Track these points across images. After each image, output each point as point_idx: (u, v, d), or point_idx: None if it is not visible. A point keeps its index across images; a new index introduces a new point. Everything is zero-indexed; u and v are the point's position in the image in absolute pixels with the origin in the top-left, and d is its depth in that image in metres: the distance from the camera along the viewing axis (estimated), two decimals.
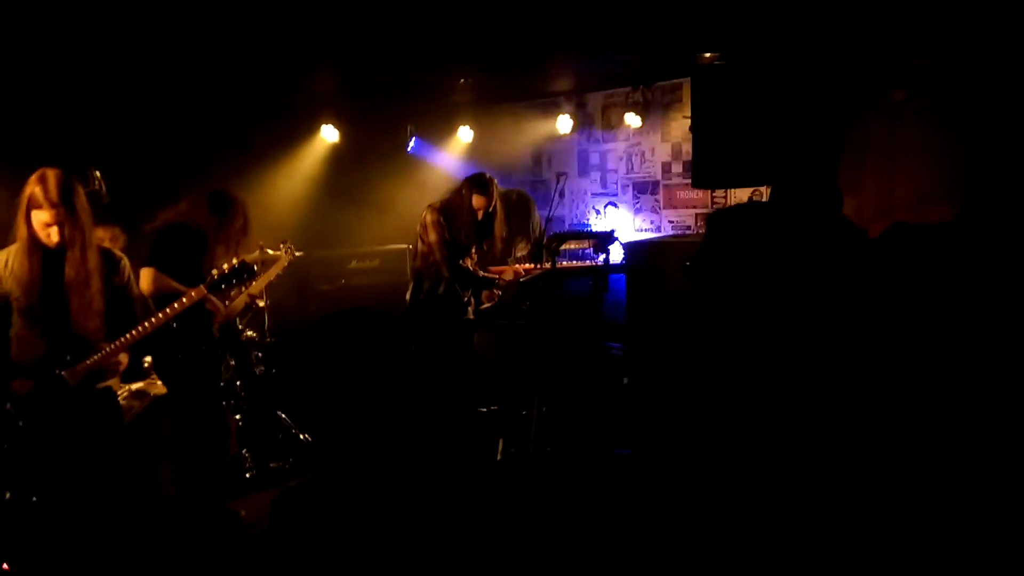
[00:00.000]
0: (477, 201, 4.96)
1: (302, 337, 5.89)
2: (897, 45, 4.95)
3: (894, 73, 5.02)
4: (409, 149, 7.31)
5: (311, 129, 6.88)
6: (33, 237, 2.90)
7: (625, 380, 4.85)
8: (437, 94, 6.85)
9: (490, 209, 5.01)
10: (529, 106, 7.28)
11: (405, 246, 6.92)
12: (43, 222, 2.88)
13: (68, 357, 3.00)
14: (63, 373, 3.01)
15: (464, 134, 7.26)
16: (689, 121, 5.39)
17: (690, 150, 6.33)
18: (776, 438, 3.00)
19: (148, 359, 4.21)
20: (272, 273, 4.54)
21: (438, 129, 7.35)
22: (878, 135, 5.09)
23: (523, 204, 6.47)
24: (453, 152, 7.46)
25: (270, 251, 4.69)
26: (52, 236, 2.90)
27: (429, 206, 5.02)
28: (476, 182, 5.00)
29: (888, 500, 2.87)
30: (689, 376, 4.62)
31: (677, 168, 6.50)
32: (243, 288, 4.31)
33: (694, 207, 6.40)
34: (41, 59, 4.81)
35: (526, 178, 7.35)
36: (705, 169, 4.68)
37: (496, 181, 5.07)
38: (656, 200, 6.64)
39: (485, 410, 5.06)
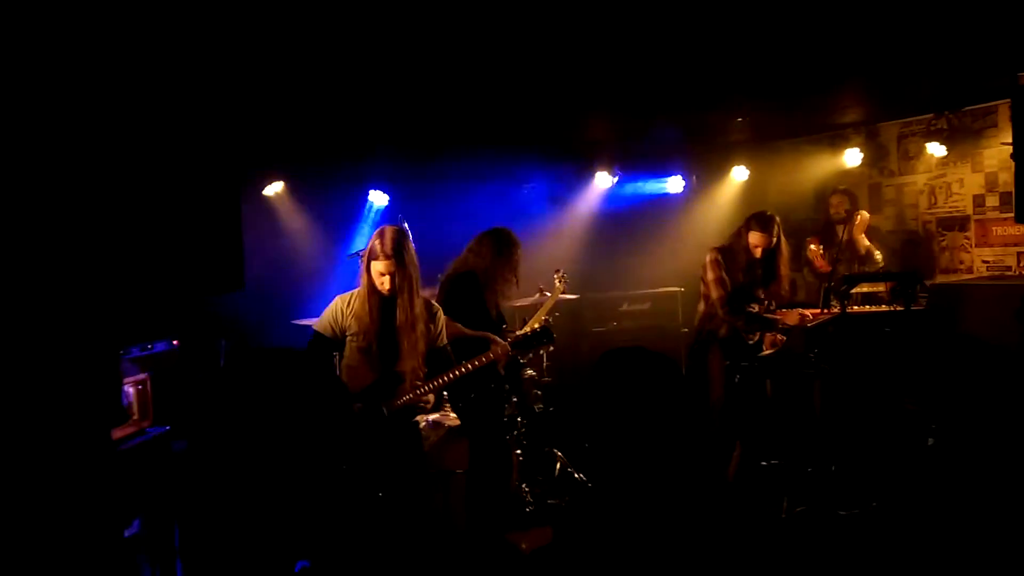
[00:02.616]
0: (754, 239, 4.75)
1: (576, 376, 6.04)
2: None
3: None
4: (678, 191, 7.27)
5: (584, 174, 7.14)
6: (372, 284, 3.35)
7: (930, 441, 4.34)
8: (711, 134, 6.74)
9: (771, 247, 4.76)
10: (810, 140, 6.88)
11: (676, 289, 6.85)
12: (379, 271, 3.31)
13: (389, 391, 3.37)
14: (382, 405, 3.38)
15: (739, 173, 7.05)
16: (1008, 148, 4.76)
17: (1010, 180, 5.55)
18: None
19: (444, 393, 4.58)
20: (547, 306, 4.81)
21: (712, 169, 7.22)
22: None
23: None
24: (728, 192, 7.27)
25: (548, 293, 4.94)
26: (385, 284, 3.32)
27: (711, 247, 4.93)
28: (755, 218, 4.80)
29: None
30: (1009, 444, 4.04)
31: (993, 201, 5.72)
32: (541, 350, 4.66)
33: (1015, 244, 5.57)
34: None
35: (808, 217, 6.91)
36: None
37: (778, 219, 4.82)
38: (966, 238, 5.89)
39: (766, 464, 4.77)
